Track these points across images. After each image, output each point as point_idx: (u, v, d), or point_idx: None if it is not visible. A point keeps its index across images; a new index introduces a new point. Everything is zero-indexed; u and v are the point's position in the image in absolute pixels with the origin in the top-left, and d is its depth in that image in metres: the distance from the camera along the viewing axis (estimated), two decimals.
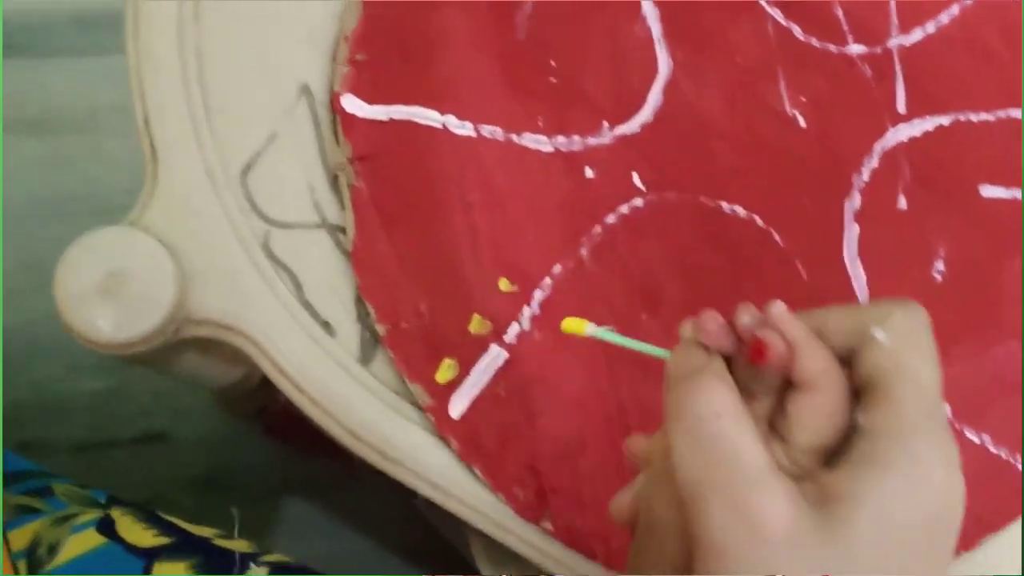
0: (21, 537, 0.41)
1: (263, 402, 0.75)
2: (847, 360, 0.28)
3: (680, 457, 0.27)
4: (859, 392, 0.28)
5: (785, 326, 0.28)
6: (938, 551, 0.27)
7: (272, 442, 0.82)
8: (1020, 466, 0.42)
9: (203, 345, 0.43)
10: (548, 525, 0.38)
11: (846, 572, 0.25)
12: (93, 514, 0.42)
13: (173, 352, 0.42)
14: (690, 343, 0.30)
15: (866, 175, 0.43)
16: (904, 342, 0.28)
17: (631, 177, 0.42)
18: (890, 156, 0.43)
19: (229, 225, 0.39)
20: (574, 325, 0.33)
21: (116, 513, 0.43)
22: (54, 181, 0.91)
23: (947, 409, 0.41)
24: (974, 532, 0.41)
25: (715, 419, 0.27)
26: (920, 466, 0.26)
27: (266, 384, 0.69)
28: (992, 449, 0.41)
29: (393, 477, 0.39)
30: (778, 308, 0.29)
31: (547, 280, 0.40)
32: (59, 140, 0.93)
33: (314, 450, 0.77)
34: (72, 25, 0.95)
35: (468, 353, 0.39)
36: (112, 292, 0.36)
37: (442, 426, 0.39)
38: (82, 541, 0.41)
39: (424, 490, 0.39)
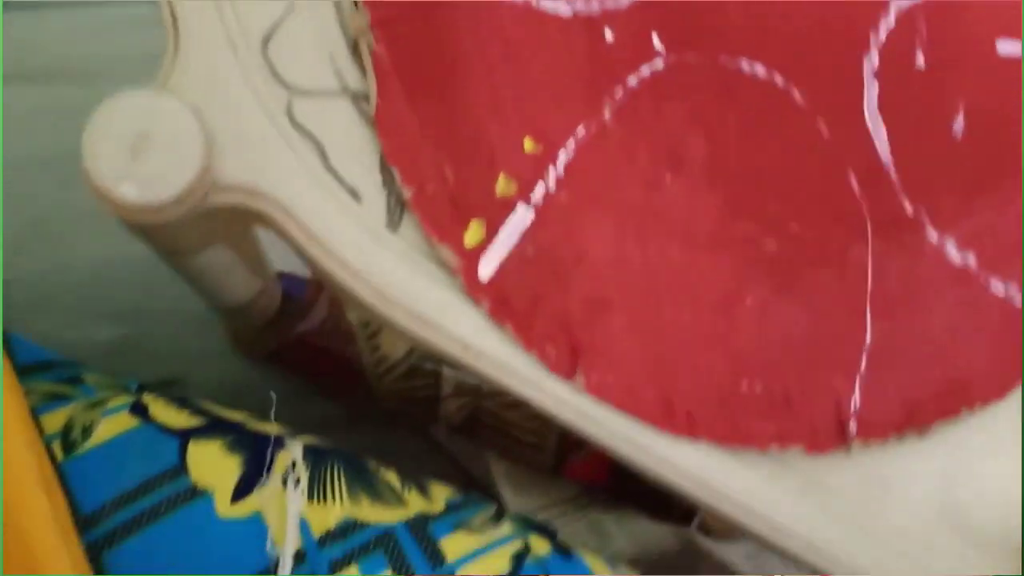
0: (54, 420, 0.41)
1: (277, 338, 0.75)
2: None
3: None
4: None
5: None
6: None
7: (289, 382, 0.82)
8: None
9: (230, 229, 0.43)
10: (581, 380, 0.38)
11: None
12: (125, 399, 0.42)
13: (200, 233, 0.42)
14: None
15: (883, 34, 0.43)
16: None
17: (651, 39, 0.42)
18: (906, 15, 0.43)
19: (252, 93, 0.39)
20: None
21: (148, 398, 0.43)
22: (57, 133, 0.91)
23: (972, 258, 0.41)
24: (1003, 381, 0.41)
25: None
26: None
27: (279, 318, 0.69)
28: (1017, 300, 0.42)
29: (425, 340, 0.39)
30: None
31: (571, 141, 0.40)
32: (61, 91, 0.92)
33: (330, 383, 0.77)
34: None
35: (495, 214, 0.39)
36: (141, 153, 0.36)
37: (472, 287, 0.39)
38: (116, 423, 0.41)
39: (455, 352, 0.38)
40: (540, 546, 0.42)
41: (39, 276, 0.88)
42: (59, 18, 0.94)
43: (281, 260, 0.66)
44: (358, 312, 0.69)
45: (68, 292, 0.90)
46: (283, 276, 0.70)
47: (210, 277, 0.51)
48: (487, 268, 0.39)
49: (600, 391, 0.39)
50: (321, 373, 0.74)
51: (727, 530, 0.70)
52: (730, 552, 0.71)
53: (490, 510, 0.43)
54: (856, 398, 0.40)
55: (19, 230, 0.87)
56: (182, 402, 0.42)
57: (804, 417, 0.39)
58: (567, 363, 0.39)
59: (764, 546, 0.40)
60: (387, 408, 0.75)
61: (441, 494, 0.43)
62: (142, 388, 0.43)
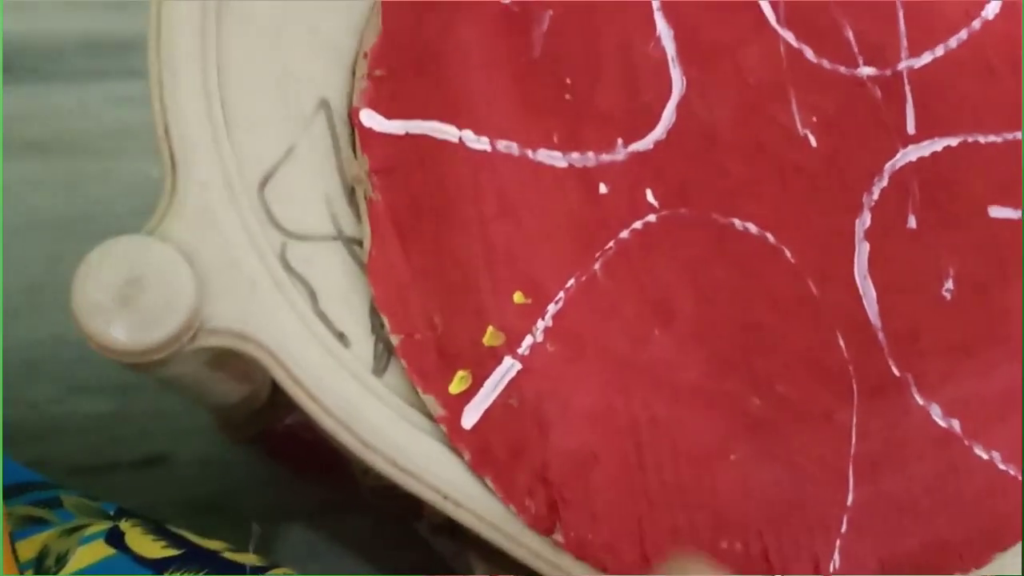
0: (29, 547, 0.41)
1: (264, 425, 0.75)
2: None
3: None
4: None
5: None
6: None
7: (274, 464, 0.81)
8: None
9: (215, 358, 0.44)
10: (559, 537, 0.38)
11: None
12: (102, 525, 0.42)
13: (185, 364, 0.42)
14: None
15: (876, 194, 0.44)
16: None
17: (645, 194, 0.42)
18: (900, 176, 0.44)
19: (246, 236, 0.39)
20: None
21: (125, 525, 0.43)
22: (59, 203, 0.91)
23: (957, 424, 0.42)
24: (984, 549, 0.41)
25: None
26: None
27: (267, 407, 0.69)
28: (1001, 466, 0.42)
29: (403, 487, 0.39)
30: None
31: (561, 294, 0.41)
32: (65, 163, 0.93)
33: (315, 474, 0.77)
34: (80, 50, 0.96)
35: (481, 365, 0.39)
36: (130, 299, 0.36)
37: (454, 436, 0.39)
38: (91, 552, 0.41)
39: (435, 501, 0.39)
40: None
41: (31, 344, 0.88)
42: (65, 91, 0.95)
43: None
44: None
45: (59, 363, 0.91)
46: None
47: (196, 389, 0.51)
48: (470, 417, 0.39)
49: (578, 548, 0.39)
50: (306, 464, 0.74)
51: None
52: None
53: None
54: (836, 560, 0.40)
55: (14, 296, 0.87)
56: (159, 531, 0.42)
57: None
58: (545, 519, 0.39)
59: None
60: (372, 503, 0.75)
61: None
62: (121, 513, 0.43)
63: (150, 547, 0.41)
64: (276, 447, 0.77)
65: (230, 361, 0.46)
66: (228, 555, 0.43)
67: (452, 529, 0.72)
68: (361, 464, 0.65)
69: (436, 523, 0.73)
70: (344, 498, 0.81)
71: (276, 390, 0.68)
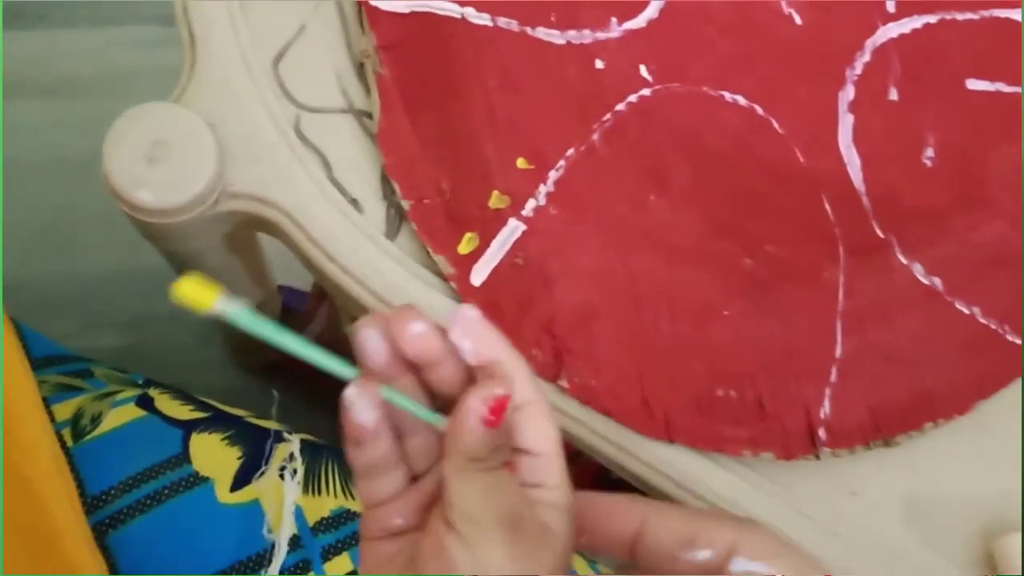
0: (65, 409, 0.43)
1: (275, 353, 0.77)
2: None
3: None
4: None
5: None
6: None
7: (285, 394, 0.84)
8: (1008, 336, 0.44)
9: (233, 237, 0.46)
10: (564, 383, 0.41)
11: None
12: (132, 391, 0.45)
13: (206, 237, 0.44)
14: None
15: (859, 69, 0.46)
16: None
17: (639, 69, 0.44)
18: (881, 52, 0.46)
19: (263, 107, 0.41)
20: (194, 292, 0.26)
21: (154, 392, 0.45)
22: (71, 143, 0.94)
23: (939, 282, 0.44)
24: (966, 397, 0.43)
25: None
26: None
27: None
28: (981, 320, 0.44)
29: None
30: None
31: (562, 162, 0.43)
32: (76, 104, 0.95)
33: (326, 396, 0.79)
34: None
35: (488, 226, 0.42)
36: (157, 160, 0.39)
37: (464, 293, 0.41)
38: (123, 414, 0.43)
39: None
40: None
41: (47, 280, 0.91)
42: (68, 36, 0.97)
43: (282, 273, 0.69)
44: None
45: (75, 298, 0.93)
46: (283, 289, 0.72)
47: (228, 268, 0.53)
48: (479, 275, 0.41)
49: (582, 394, 0.41)
50: (318, 383, 0.76)
51: None
52: None
53: None
54: (826, 408, 0.42)
55: (29, 235, 0.90)
56: (186, 397, 0.45)
57: (776, 424, 0.42)
58: (552, 366, 0.41)
59: None
60: None
61: None
62: (149, 383, 0.45)
63: (179, 410, 0.44)
64: (288, 367, 0.80)
65: (245, 244, 0.48)
66: (252, 420, 0.45)
67: None
68: None
69: None
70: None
71: (286, 312, 0.70)
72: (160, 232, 0.42)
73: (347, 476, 0.43)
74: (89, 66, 0.95)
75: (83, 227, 0.90)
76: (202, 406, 0.44)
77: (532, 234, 0.42)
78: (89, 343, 0.87)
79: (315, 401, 0.81)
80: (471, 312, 0.30)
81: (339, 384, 0.69)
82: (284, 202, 0.41)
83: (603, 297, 0.42)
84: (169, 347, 0.90)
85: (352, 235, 0.41)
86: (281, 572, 0.40)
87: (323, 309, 0.73)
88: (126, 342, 0.91)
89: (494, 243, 0.42)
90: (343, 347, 0.69)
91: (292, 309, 0.73)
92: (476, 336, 0.30)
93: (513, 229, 0.42)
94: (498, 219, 0.42)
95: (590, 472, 0.71)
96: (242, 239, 0.47)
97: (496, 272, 0.41)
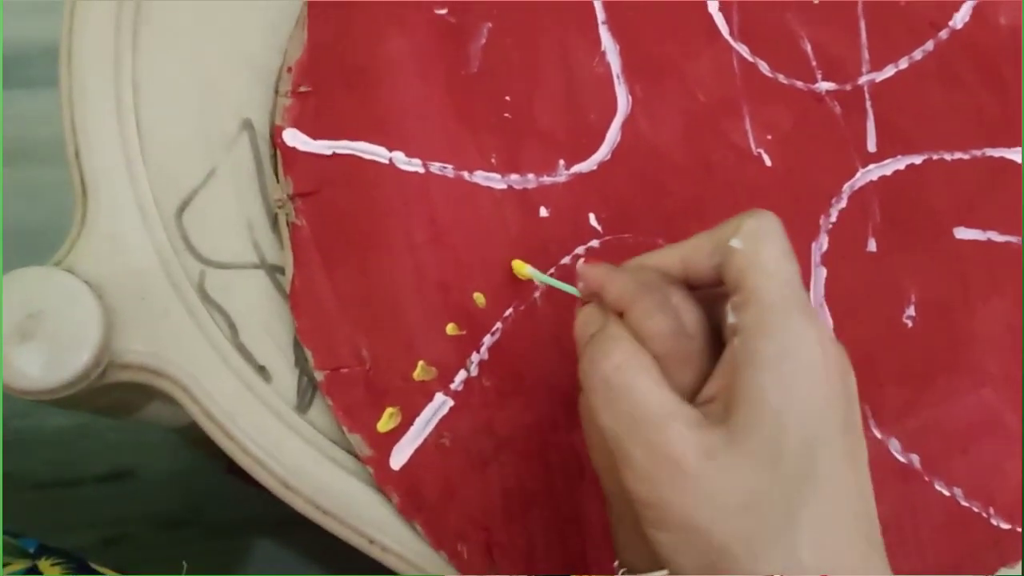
0: None
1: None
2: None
3: (600, 418, 0.29)
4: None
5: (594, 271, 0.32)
6: (842, 404, 0.28)
7: (241, 478, 0.80)
8: (993, 520, 0.39)
9: (143, 388, 0.41)
10: None
11: (768, 468, 0.27)
12: (21, 564, 0.40)
13: (108, 396, 0.40)
14: (589, 308, 0.32)
15: (834, 216, 0.41)
16: (756, 243, 0.30)
17: (588, 218, 0.40)
18: (859, 196, 0.42)
19: (161, 264, 0.37)
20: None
21: (44, 564, 0.41)
22: (19, 211, 0.90)
23: (917, 460, 0.39)
24: None
25: (617, 374, 0.29)
26: (790, 342, 0.28)
27: None
28: (963, 503, 0.39)
29: (328, 529, 0.36)
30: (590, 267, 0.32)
31: (498, 324, 0.38)
32: (27, 171, 0.91)
33: None
34: (44, 57, 0.94)
35: (412, 401, 0.37)
36: (30, 335, 0.34)
37: (382, 478, 0.37)
38: None
39: (360, 545, 0.36)
40: None
41: None
42: (30, 98, 0.93)
43: None
44: None
45: None
46: None
47: (141, 417, 0.49)
48: (399, 457, 0.37)
49: None
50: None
51: None
52: None
53: None
54: None
55: None
56: (80, 569, 0.40)
57: None
58: (478, 563, 0.36)
59: None
60: None
61: None
62: (41, 550, 0.41)
63: None
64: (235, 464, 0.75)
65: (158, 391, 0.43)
66: None
67: None
68: None
69: None
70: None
71: None
72: (52, 402, 0.37)
73: None
74: (42, 130, 0.91)
75: None
76: None
77: (461, 410, 0.37)
78: (36, 423, 0.83)
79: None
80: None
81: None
82: (179, 373, 0.36)
83: (541, 480, 0.38)
84: (121, 427, 0.86)
85: (256, 409, 0.37)
86: None
87: None
88: (78, 421, 0.87)
89: (418, 420, 0.37)
90: None
91: None
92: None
93: (440, 404, 0.37)
94: (424, 393, 0.37)
95: None
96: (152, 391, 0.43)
97: (419, 454, 0.37)
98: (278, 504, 0.76)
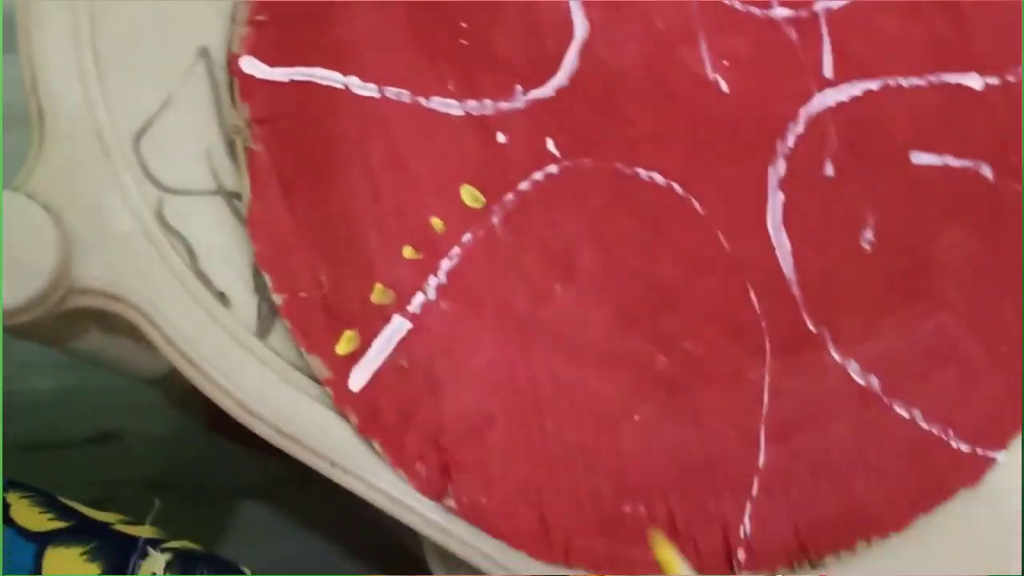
0: None
1: (208, 405, 0.73)
2: None
3: None
4: None
5: None
6: None
7: (227, 440, 0.80)
8: (953, 442, 0.40)
9: (104, 323, 0.42)
10: (451, 503, 0.37)
11: None
12: None
13: (71, 328, 0.40)
14: None
15: (791, 141, 0.41)
16: None
17: (546, 143, 0.40)
18: (816, 122, 0.42)
19: (119, 191, 0.37)
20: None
21: (12, 497, 0.41)
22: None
23: (876, 382, 0.40)
24: (905, 512, 0.39)
25: None
26: None
27: None
28: (923, 425, 0.40)
29: (289, 452, 0.37)
30: None
31: (456, 249, 0.39)
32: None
33: (262, 445, 0.75)
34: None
35: (370, 324, 0.37)
36: None
37: (341, 400, 0.37)
38: None
39: (321, 467, 0.37)
40: None
41: None
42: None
43: None
44: None
45: (10, 340, 0.89)
46: None
47: (109, 360, 0.49)
48: (358, 380, 0.37)
49: (471, 514, 0.37)
50: (247, 435, 0.72)
51: None
52: None
53: None
54: (746, 524, 0.38)
55: None
56: (49, 503, 0.41)
57: (688, 545, 0.38)
58: (436, 483, 0.37)
59: None
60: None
61: None
62: (10, 485, 0.41)
63: (36, 519, 0.40)
64: (217, 419, 0.76)
65: (126, 327, 0.44)
66: (121, 527, 0.41)
67: None
68: None
69: None
70: (296, 472, 0.80)
71: None
72: (12, 330, 0.38)
73: None
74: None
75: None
76: (65, 514, 0.41)
77: (419, 333, 0.38)
78: (25, 386, 0.84)
79: (256, 451, 0.77)
80: None
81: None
82: (138, 299, 0.37)
83: (499, 403, 0.38)
84: (106, 391, 0.86)
85: (216, 335, 0.37)
86: None
87: None
88: (63, 385, 0.87)
89: (376, 343, 0.37)
90: None
91: None
92: None
93: (397, 327, 0.38)
94: (381, 316, 0.38)
95: None
96: (119, 322, 0.43)
97: (377, 376, 0.37)
98: (263, 467, 0.76)
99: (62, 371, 0.88)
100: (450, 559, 0.69)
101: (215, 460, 0.83)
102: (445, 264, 0.38)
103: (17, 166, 0.38)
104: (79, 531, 0.40)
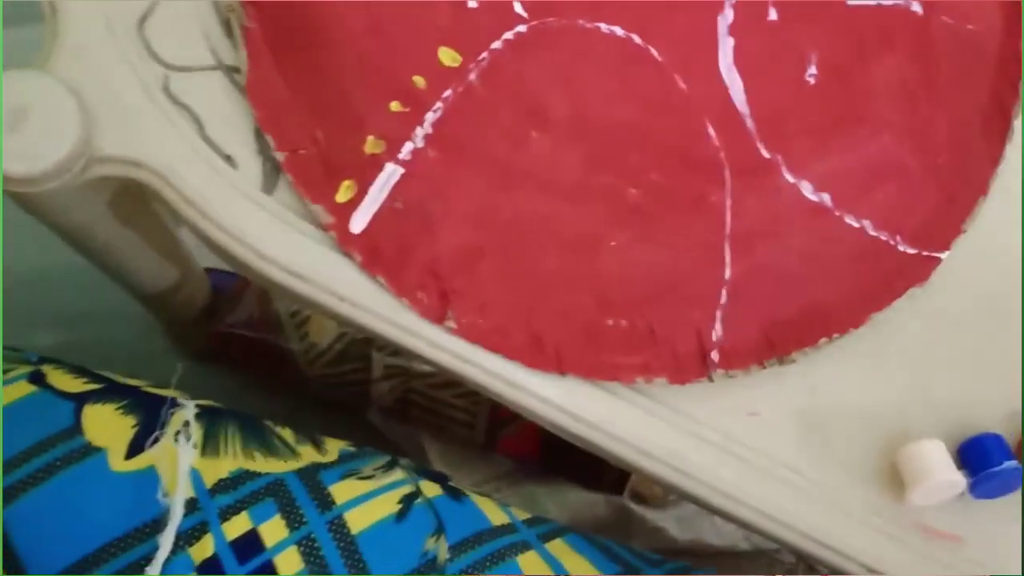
0: None
1: (208, 335, 0.76)
2: None
3: None
4: None
5: None
6: None
7: (225, 378, 0.83)
8: (900, 247, 0.44)
9: (118, 205, 0.45)
10: (452, 324, 0.40)
11: None
12: (24, 369, 0.44)
13: (87, 206, 0.44)
14: None
15: None
16: None
17: (512, 5, 0.44)
18: None
19: (129, 69, 0.41)
20: None
21: (47, 368, 0.44)
22: None
23: (828, 198, 0.44)
24: (860, 310, 0.43)
25: None
26: None
27: (208, 311, 0.70)
28: (871, 232, 0.44)
29: (301, 294, 0.41)
30: None
31: (439, 104, 0.42)
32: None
33: (263, 374, 0.78)
34: None
35: (365, 173, 0.41)
36: (17, 129, 0.38)
37: (344, 241, 0.41)
38: (12, 391, 0.43)
39: (331, 303, 0.41)
40: (430, 490, 0.44)
41: None
42: None
43: (209, 256, 0.69)
44: (285, 302, 0.71)
45: (9, 297, 0.92)
46: (211, 272, 0.72)
47: (119, 259, 0.53)
48: (358, 222, 0.41)
49: (470, 333, 0.41)
50: (254, 364, 0.76)
51: (658, 497, 0.72)
52: (661, 518, 0.73)
53: (383, 460, 0.45)
54: (718, 329, 0.42)
55: None
56: (81, 371, 0.44)
57: (667, 349, 0.42)
58: (437, 308, 0.41)
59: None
60: (322, 396, 0.77)
61: (335, 447, 0.45)
62: (43, 360, 0.45)
63: (71, 383, 0.43)
64: (224, 351, 0.79)
65: (139, 216, 0.47)
66: (149, 389, 0.45)
67: (402, 412, 0.74)
68: (305, 343, 0.67)
69: (386, 407, 0.75)
70: (294, 404, 0.83)
71: (216, 294, 0.70)
72: (38, 204, 0.41)
73: (247, 438, 0.43)
74: None
75: (11, 226, 0.89)
76: (97, 378, 0.44)
77: (411, 177, 0.41)
78: (24, 342, 0.86)
79: (255, 385, 0.80)
80: None
81: (272, 361, 0.68)
82: (155, 163, 0.40)
83: (487, 237, 0.42)
84: (107, 342, 0.89)
85: (227, 192, 0.41)
86: (178, 534, 0.39)
87: (251, 290, 0.72)
88: (64, 338, 0.90)
89: (372, 189, 0.41)
90: (273, 325, 0.68)
91: (221, 290, 0.73)
92: None
93: (391, 174, 0.41)
94: (375, 164, 0.41)
95: (535, 437, 0.71)
96: (131, 209, 0.47)
97: (376, 218, 0.41)
98: (262, 403, 0.79)
99: (59, 327, 0.90)
100: (453, 465, 0.73)
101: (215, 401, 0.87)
102: (430, 116, 0.42)
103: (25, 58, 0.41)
104: (112, 391, 0.43)
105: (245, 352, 0.75)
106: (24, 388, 0.42)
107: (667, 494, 0.73)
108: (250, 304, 0.73)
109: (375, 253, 0.41)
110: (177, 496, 0.40)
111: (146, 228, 0.50)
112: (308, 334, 0.71)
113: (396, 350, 0.43)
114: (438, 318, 0.41)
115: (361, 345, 0.71)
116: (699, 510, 0.44)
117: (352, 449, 0.45)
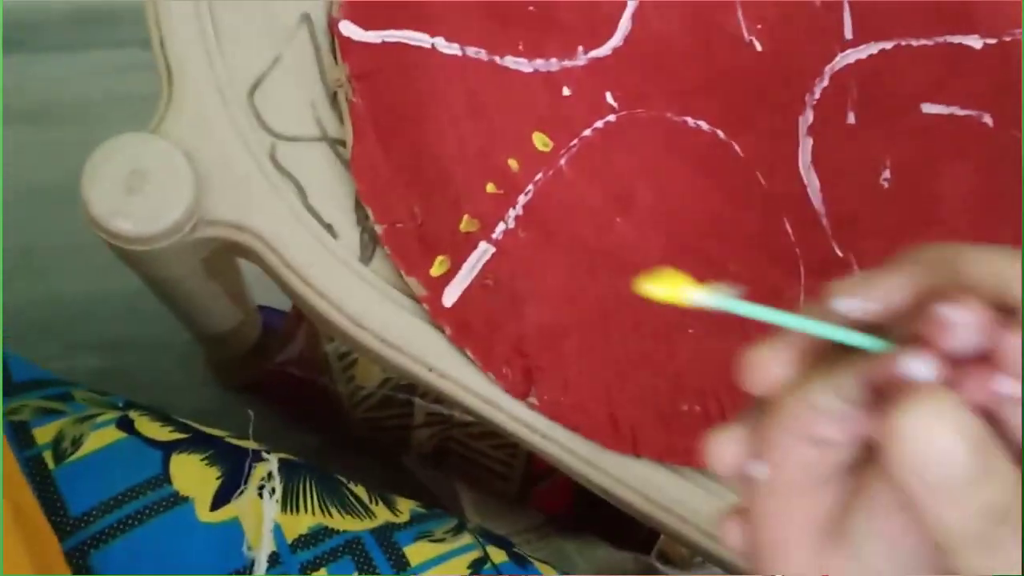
0: (46, 433, 0.44)
1: (256, 366, 0.78)
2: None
3: None
4: None
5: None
6: None
7: (267, 413, 0.84)
8: None
9: (211, 263, 0.47)
10: (534, 400, 0.42)
11: None
12: (113, 414, 0.46)
13: (184, 263, 0.45)
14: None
15: (817, 94, 0.47)
16: None
17: (604, 96, 0.46)
18: (839, 77, 0.48)
19: (238, 137, 0.43)
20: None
21: (134, 414, 0.46)
22: (46, 170, 0.95)
23: None
24: None
25: None
26: None
27: (258, 348, 0.72)
28: None
29: (393, 362, 0.42)
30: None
31: (530, 187, 0.44)
32: (52, 132, 0.96)
33: (307, 413, 0.80)
34: (67, 21, 0.99)
35: (459, 249, 0.43)
36: (135, 190, 0.40)
37: (436, 314, 0.42)
38: (103, 436, 0.44)
39: (420, 372, 0.42)
40: (497, 555, 0.45)
41: (28, 304, 0.92)
42: (54, 62, 0.98)
43: (262, 294, 0.70)
44: (334, 343, 0.73)
45: (56, 322, 0.94)
46: (263, 309, 0.73)
47: (195, 305, 0.54)
48: (450, 297, 0.43)
49: (552, 410, 0.42)
50: (298, 402, 0.77)
51: (684, 558, 0.74)
52: None
53: (452, 522, 0.46)
54: None
55: (9, 260, 0.90)
56: (165, 418, 0.46)
57: None
58: (521, 384, 0.42)
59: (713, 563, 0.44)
60: (361, 437, 0.78)
61: (406, 507, 0.46)
62: (129, 404, 0.46)
63: (158, 431, 0.45)
64: (268, 387, 0.81)
65: (224, 268, 0.49)
66: (231, 440, 0.46)
67: (439, 458, 0.76)
68: (351, 385, 0.68)
69: (424, 452, 0.76)
70: (335, 441, 0.85)
71: (266, 332, 0.71)
72: (139, 258, 0.43)
73: (324, 494, 0.45)
74: (65, 92, 0.96)
75: (61, 252, 0.91)
76: (181, 427, 0.46)
77: (502, 256, 0.43)
78: (71, 364, 0.88)
79: (292, 420, 0.82)
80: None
81: (317, 401, 0.70)
82: (260, 228, 0.42)
83: (571, 317, 0.43)
84: (150, 369, 0.91)
85: (327, 260, 0.42)
86: None
87: (302, 329, 0.74)
88: (106, 364, 0.92)
89: (465, 265, 0.43)
90: (321, 366, 0.70)
91: (272, 328, 0.74)
92: None
93: (483, 252, 0.43)
94: (468, 242, 0.43)
95: (569, 491, 0.73)
96: (221, 264, 0.48)
97: (467, 293, 0.43)
98: (303, 439, 0.80)
99: (104, 352, 0.92)
100: (487, 513, 0.74)
101: (254, 435, 0.88)
102: (521, 199, 0.44)
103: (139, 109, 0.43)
104: (197, 441, 0.45)
105: (290, 390, 0.77)
106: (114, 434, 0.44)
107: (693, 555, 0.74)
108: (300, 344, 0.74)
109: (465, 327, 0.42)
110: (263, 550, 0.41)
111: (227, 279, 0.52)
112: (355, 377, 0.73)
113: (438, 398, 0.44)
114: (523, 394, 0.42)
115: (405, 391, 0.72)
116: (724, 573, 0.46)
117: (422, 510, 0.46)
